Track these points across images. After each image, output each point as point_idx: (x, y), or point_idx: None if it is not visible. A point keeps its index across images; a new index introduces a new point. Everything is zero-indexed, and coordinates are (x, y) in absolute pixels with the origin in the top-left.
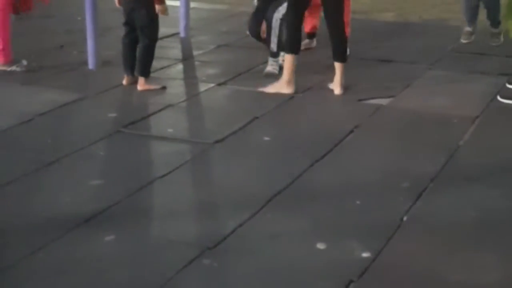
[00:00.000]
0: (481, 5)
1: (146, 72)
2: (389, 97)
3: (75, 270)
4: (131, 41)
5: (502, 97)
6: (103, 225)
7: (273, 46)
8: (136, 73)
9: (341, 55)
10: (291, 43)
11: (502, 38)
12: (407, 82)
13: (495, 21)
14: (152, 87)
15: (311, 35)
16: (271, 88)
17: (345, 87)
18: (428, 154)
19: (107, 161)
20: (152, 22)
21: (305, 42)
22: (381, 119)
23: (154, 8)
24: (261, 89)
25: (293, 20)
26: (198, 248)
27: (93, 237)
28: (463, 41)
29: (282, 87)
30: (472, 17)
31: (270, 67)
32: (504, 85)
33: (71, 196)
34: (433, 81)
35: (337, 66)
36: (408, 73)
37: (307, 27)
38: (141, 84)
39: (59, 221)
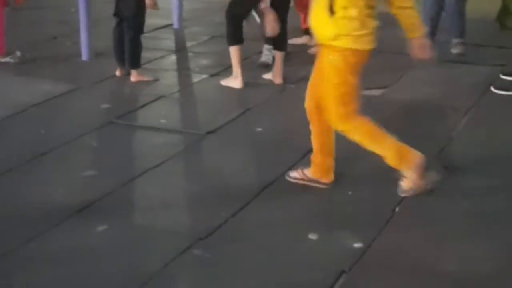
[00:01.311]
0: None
1: (136, 64)
2: (381, 88)
3: (67, 259)
4: (120, 32)
5: (495, 88)
6: (96, 215)
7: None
8: (127, 65)
9: (280, 44)
10: (233, 34)
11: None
12: (400, 73)
13: (458, 31)
14: (145, 78)
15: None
16: (223, 81)
17: (285, 77)
18: (421, 145)
19: (99, 152)
20: (138, 13)
21: (304, 38)
22: (374, 110)
23: (142, 0)
24: (221, 81)
25: (239, 12)
26: (190, 238)
27: (85, 227)
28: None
29: (231, 81)
30: (434, 28)
31: (265, 57)
32: (498, 76)
33: (64, 187)
34: (426, 72)
35: (277, 55)
36: (401, 64)
37: (305, 23)
38: (134, 76)
39: (51, 212)
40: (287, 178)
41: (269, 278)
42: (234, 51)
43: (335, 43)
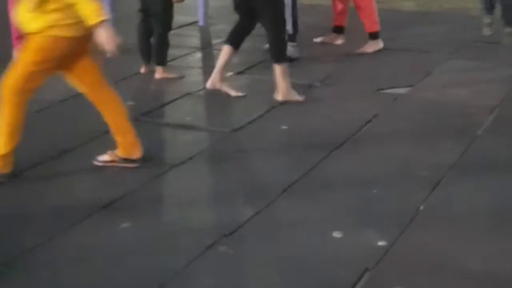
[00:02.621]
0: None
1: (162, 61)
2: (408, 86)
3: (91, 256)
4: (146, 28)
5: None
6: (120, 212)
7: (289, 27)
8: (153, 62)
9: (275, 56)
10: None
11: None
12: (426, 71)
13: (510, 19)
14: (171, 75)
15: (338, 29)
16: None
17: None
18: (446, 143)
19: None
20: (166, 10)
21: (331, 36)
22: (400, 108)
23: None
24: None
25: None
26: (214, 235)
27: (109, 224)
28: (486, 33)
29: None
30: (490, 5)
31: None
32: None
33: (88, 183)
34: (452, 71)
35: (274, 68)
36: (427, 63)
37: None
38: (159, 73)
39: (76, 208)
40: (95, 162)
41: (293, 275)
42: (284, 68)
43: (42, 33)
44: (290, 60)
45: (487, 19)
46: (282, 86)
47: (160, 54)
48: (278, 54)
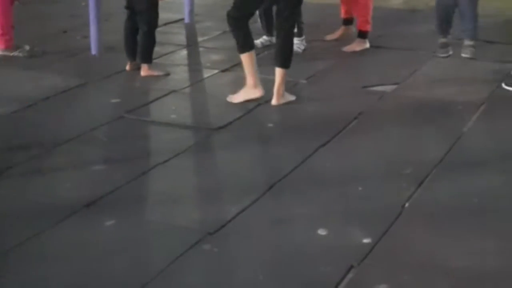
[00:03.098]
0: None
1: (147, 59)
2: (393, 84)
3: (75, 254)
4: (132, 26)
5: (506, 84)
6: (104, 210)
7: None
8: (138, 60)
9: (281, 60)
10: (241, 40)
11: (474, 51)
12: (412, 69)
13: (470, 32)
14: (156, 73)
15: (347, 21)
16: (239, 97)
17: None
18: (432, 140)
19: (109, 147)
20: (151, 7)
21: (340, 30)
22: (386, 106)
23: None
24: (229, 99)
25: (240, 15)
26: (199, 233)
27: (93, 222)
28: (440, 55)
29: (249, 92)
30: (446, 26)
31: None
32: (509, 72)
33: (72, 181)
34: (438, 68)
35: (276, 72)
36: (413, 60)
37: (346, 13)
38: (144, 70)
39: (59, 206)
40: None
41: (278, 273)
42: (245, 58)
43: None
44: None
45: (442, 39)
46: (281, 90)
47: (146, 52)
48: (290, 60)
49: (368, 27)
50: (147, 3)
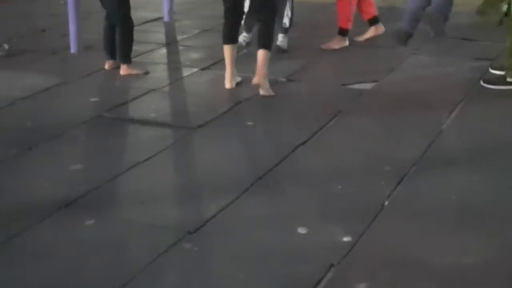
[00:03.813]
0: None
1: (126, 59)
2: (372, 81)
3: (54, 254)
4: (110, 25)
5: (485, 82)
6: (83, 209)
7: (286, 20)
8: (117, 60)
9: (262, 42)
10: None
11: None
12: (391, 66)
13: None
14: (134, 71)
15: (372, 21)
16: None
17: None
18: (411, 138)
19: (88, 146)
20: (121, 6)
21: (371, 31)
22: (365, 103)
23: None
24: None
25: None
26: (179, 232)
27: (73, 221)
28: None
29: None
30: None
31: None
32: (487, 70)
33: (51, 181)
34: (416, 66)
35: (258, 53)
36: (392, 58)
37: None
38: (124, 69)
39: (38, 206)
40: None
41: (258, 272)
42: (224, 50)
43: None
44: (284, 51)
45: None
46: (262, 71)
47: (123, 53)
48: (270, 41)
49: (349, 25)
50: (115, 3)
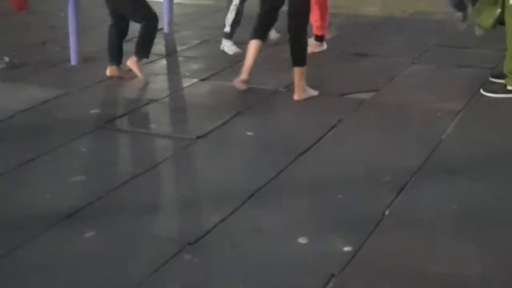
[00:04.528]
0: None
1: (144, 52)
2: (372, 91)
3: (54, 266)
4: (117, 30)
5: (485, 90)
6: (84, 221)
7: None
8: (134, 52)
9: (293, 59)
10: (253, 28)
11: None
12: (390, 76)
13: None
14: (139, 70)
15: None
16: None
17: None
18: (411, 147)
19: (88, 157)
20: (140, 7)
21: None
22: (364, 113)
23: None
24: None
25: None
26: (179, 244)
27: (73, 233)
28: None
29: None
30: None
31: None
32: (487, 78)
33: (52, 193)
34: (416, 75)
35: (294, 70)
36: (391, 67)
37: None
38: (132, 62)
39: (39, 218)
40: None
41: (258, 282)
42: (249, 45)
43: None
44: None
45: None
46: (300, 87)
47: (144, 44)
48: (301, 57)
49: (324, 32)
50: (130, 9)
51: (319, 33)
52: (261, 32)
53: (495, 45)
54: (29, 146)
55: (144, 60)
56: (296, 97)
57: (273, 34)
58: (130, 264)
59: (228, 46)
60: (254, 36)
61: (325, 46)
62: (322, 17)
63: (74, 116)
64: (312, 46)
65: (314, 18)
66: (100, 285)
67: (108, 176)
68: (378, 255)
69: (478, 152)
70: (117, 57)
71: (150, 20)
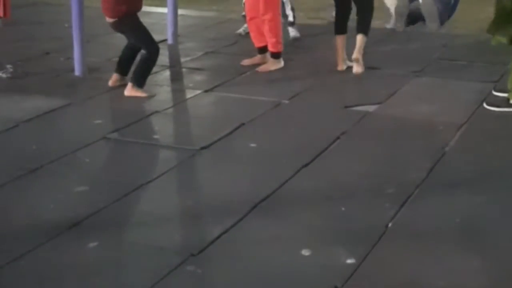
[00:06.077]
0: None
1: (140, 82)
2: (375, 104)
3: (58, 277)
4: (133, 49)
5: (488, 104)
6: (87, 231)
7: (290, 17)
8: (130, 79)
9: (359, 28)
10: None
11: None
12: (393, 89)
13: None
14: (139, 93)
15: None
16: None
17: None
18: (414, 160)
19: (92, 168)
20: (141, 35)
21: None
22: (368, 125)
23: (137, 25)
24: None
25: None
26: (182, 255)
27: (76, 244)
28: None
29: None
30: None
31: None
32: (490, 92)
33: (55, 203)
34: (419, 88)
35: (357, 38)
36: (394, 80)
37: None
38: (129, 90)
39: (42, 228)
40: None
41: None
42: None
43: None
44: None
45: None
46: (360, 50)
47: (141, 74)
48: (367, 27)
49: (280, 47)
50: (137, 38)
51: (275, 49)
52: (341, 27)
53: (498, 59)
54: (32, 156)
55: None
56: (355, 55)
57: (293, 32)
58: (133, 274)
59: (295, 32)
60: (337, 32)
61: (282, 63)
62: (276, 31)
63: (78, 126)
64: (269, 64)
65: (268, 33)
66: None
67: (112, 187)
68: (381, 267)
69: (481, 166)
70: (123, 68)
71: (150, 51)
